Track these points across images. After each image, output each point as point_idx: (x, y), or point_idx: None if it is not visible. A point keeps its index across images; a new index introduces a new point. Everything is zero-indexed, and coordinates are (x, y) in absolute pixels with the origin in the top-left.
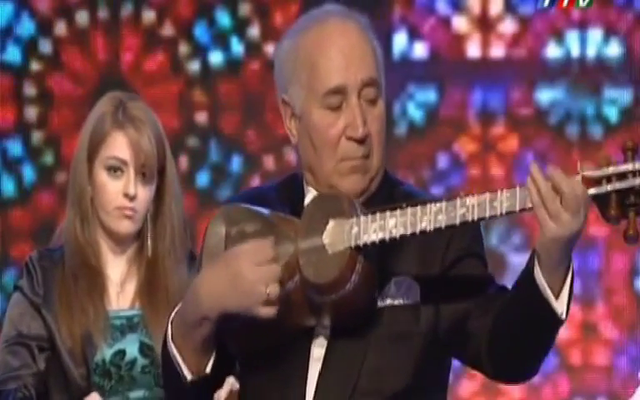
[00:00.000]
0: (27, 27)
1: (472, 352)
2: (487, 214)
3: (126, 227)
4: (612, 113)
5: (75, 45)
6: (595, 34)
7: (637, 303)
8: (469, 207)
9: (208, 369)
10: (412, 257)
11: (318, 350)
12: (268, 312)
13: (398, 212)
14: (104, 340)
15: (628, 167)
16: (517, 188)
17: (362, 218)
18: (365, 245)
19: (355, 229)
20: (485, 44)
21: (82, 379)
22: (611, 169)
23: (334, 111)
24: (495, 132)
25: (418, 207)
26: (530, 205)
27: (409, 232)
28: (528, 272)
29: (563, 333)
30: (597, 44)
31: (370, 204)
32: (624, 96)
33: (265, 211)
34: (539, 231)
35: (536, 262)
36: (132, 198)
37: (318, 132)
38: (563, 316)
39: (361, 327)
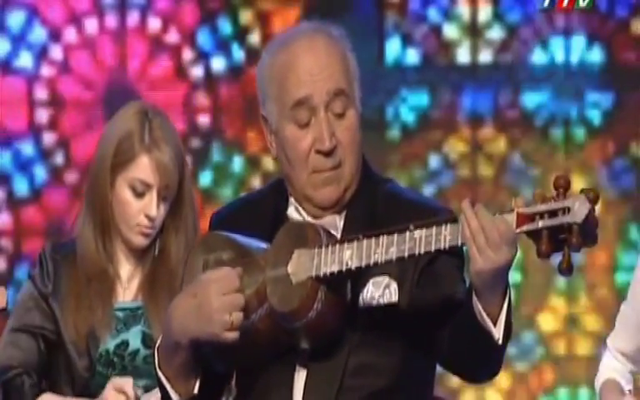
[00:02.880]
0: (38, 34)
1: (438, 355)
2: (433, 247)
3: (142, 241)
4: (594, 116)
5: (84, 51)
6: (578, 40)
7: (618, 297)
8: (416, 239)
9: (196, 390)
10: None
11: (302, 357)
12: (232, 337)
13: (355, 244)
14: (108, 333)
15: (558, 204)
16: (460, 224)
17: (324, 249)
18: (325, 275)
19: (316, 260)
20: (474, 50)
21: (84, 370)
22: (542, 207)
23: (304, 127)
24: (483, 134)
25: (372, 239)
26: None
27: (364, 264)
28: (468, 299)
29: (549, 325)
30: (581, 50)
31: (351, 208)
32: (606, 99)
33: (243, 239)
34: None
35: (473, 292)
36: (152, 219)
37: (290, 147)
38: (500, 341)
39: (340, 334)
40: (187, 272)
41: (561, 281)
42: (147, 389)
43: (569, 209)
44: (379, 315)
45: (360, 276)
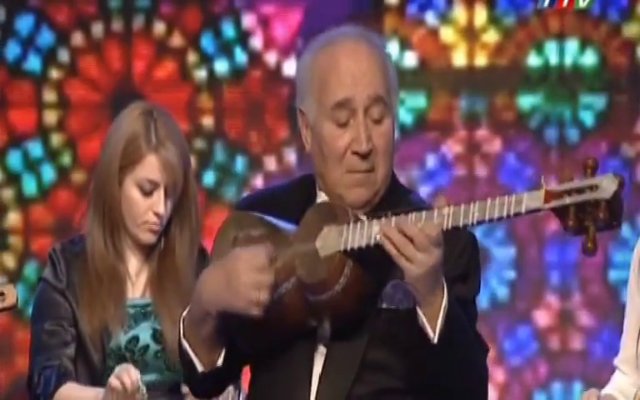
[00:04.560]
0: (46, 37)
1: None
2: (461, 223)
3: (150, 238)
4: (587, 118)
5: (91, 54)
6: (572, 44)
7: (611, 293)
8: (445, 216)
9: (219, 363)
10: None
11: (322, 347)
12: (258, 313)
13: (383, 220)
14: (121, 328)
15: (586, 182)
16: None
17: (352, 225)
18: (353, 250)
19: (344, 235)
20: (470, 53)
21: (99, 363)
22: (571, 184)
23: (342, 126)
24: (479, 135)
25: (401, 216)
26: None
27: None
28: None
29: (543, 321)
30: (574, 53)
31: (379, 211)
32: (599, 101)
33: (272, 219)
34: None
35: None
36: (160, 216)
37: (327, 144)
38: (435, 340)
39: (361, 326)
40: (217, 246)
41: (555, 278)
42: (155, 385)
43: (597, 186)
44: (397, 317)
45: (379, 278)
